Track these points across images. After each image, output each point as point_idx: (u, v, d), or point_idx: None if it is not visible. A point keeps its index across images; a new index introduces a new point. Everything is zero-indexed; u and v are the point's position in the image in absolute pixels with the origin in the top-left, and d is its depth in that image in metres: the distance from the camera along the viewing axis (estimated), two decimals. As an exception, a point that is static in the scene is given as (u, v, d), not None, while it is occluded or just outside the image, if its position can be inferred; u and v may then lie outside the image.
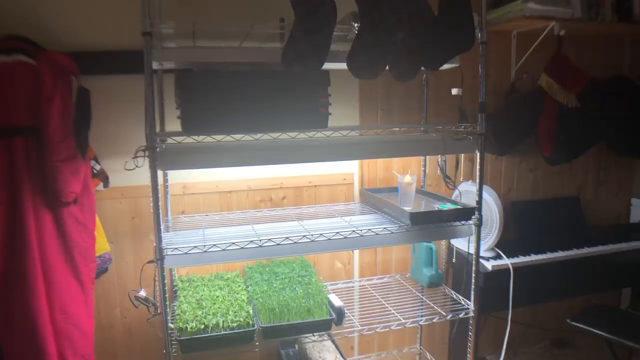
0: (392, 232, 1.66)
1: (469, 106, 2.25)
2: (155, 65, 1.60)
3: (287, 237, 1.54)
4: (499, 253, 2.18)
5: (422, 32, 1.56)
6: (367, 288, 2.16)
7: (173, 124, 1.81)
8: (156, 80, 1.81)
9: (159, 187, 1.45)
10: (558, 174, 2.63)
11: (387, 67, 1.56)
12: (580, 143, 2.33)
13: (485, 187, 2.17)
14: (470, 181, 2.21)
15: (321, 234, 1.58)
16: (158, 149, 1.43)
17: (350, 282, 2.23)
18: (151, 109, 1.40)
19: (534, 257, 2.21)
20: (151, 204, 1.45)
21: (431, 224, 1.70)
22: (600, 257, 2.31)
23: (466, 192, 2.14)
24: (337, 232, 1.59)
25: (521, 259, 2.18)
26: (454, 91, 2.05)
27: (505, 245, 2.20)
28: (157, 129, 1.77)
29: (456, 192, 2.19)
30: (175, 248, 1.47)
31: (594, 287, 2.46)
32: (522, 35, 2.36)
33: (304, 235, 1.56)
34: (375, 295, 2.08)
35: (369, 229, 1.63)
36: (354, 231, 1.61)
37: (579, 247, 2.31)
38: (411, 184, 1.81)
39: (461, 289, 2.08)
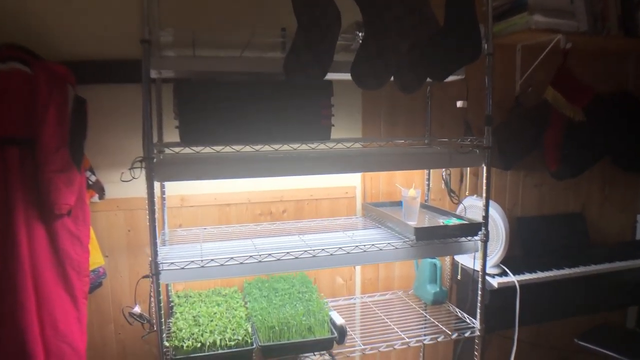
0: (396, 248, 1.61)
1: (474, 119, 2.22)
2: (153, 74, 1.56)
3: (287, 252, 1.49)
4: (504, 270, 2.12)
5: (428, 43, 1.53)
6: (369, 305, 2.10)
7: (171, 135, 1.77)
8: (154, 89, 1.77)
9: (155, 200, 1.40)
10: (563, 189, 2.59)
11: (391, 78, 1.52)
12: (586, 158, 2.29)
13: (491, 202, 2.12)
14: (475, 196, 2.17)
15: (323, 249, 1.52)
16: (155, 160, 1.39)
17: (352, 298, 2.16)
18: (148, 118, 1.36)
19: (540, 274, 2.15)
20: (147, 217, 1.40)
21: (436, 239, 1.65)
22: (606, 275, 2.25)
23: (471, 206, 2.09)
24: (340, 247, 1.54)
25: (527, 276, 2.12)
26: (459, 104, 2.02)
27: (510, 261, 2.14)
28: (155, 140, 1.73)
29: (460, 207, 2.13)
30: (172, 263, 1.41)
31: (600, 305, 2.39)
32: (527, 48, 2.34)
33: (305, 251, 1.51)
34: (377, 313, 2.01)
35: (373, 244, 1.58)
36: (357, 246, 1.56)
37: (585, 265, 2.25)
38: (415, 198, 1.76)
39: (466, 306, 2.02)
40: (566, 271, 2.20)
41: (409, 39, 1.48)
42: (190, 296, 1.87)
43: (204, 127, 1.49)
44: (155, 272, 1.39)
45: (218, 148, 1.49)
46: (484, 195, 1.73)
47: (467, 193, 2.16)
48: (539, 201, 2.55)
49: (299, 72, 1.40)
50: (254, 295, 1.82)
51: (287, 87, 1.54)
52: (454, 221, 1.74)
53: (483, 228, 1.71)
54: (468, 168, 2.23)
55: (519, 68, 2.38)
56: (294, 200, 2.07)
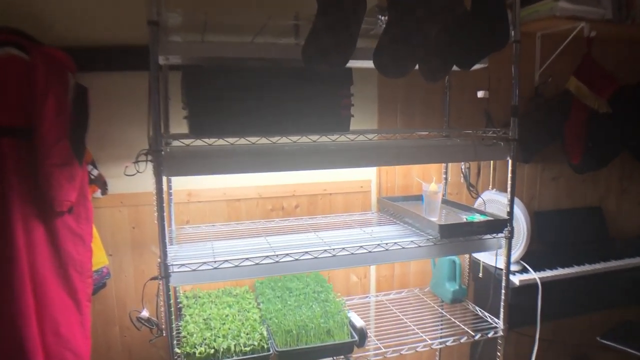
0: (419, 246, 1.52)
1: (492, 110, 2.12)
2: (160, 60, 1.45)
3: (306, 252, 1.39)
4: (524, 266, 2.05)
5: (454, 28, 1.43)
6: (385, 304, 2.01)
7: (178, 126, 1.67)
8: (160, 77, 1.66)
9: (163, 195, 1.30)
10: (580, 182, 2.50)
11: (416, 66, 1.42)
12: (609, 150, 2.20)
13: (510, 196, 2.04)
14: (495, 189, 2.08)
15: (343, 248, 1.43)
16: (163, 153, 1.28)
17: (367, 297, 2.07)
18: (156, 107, 1.25)
19: (561, 271, 2.08)
20: (155, 214, 1.30)
21: (461, 236, 1.56)
22: (627, 270, 2.19)
23: (490, 201, 2.00)
24: (361, 246, 1.44)
25: (548, 273, 2.05)
26: (480, 94, 1.92)
27: (529, 257, 2.06)
28: (161, 131, 1.62)
29: (479, 201, 2.05)
30: (182, 264, 1.31)
31: (618, 300, 2.32)
32: (547, 37, 2.24)
33: (325, 250, 1.41)
34: (395, 312, 1.93)
35: (395, 242, 1.49)
36: (378, 245, 1.47)
37: (606, 260, 2.19)
38: (437, 192, 1.67)
39: (487, 305, 1.93)
40: (587, 267, 2.13)
41: (435, 24, 1.37)
42: (200, 297, 1.77)
43: (215, 117, 1.38)
44: (165, 274, 1.29)
45: (231, 140, 1.39)
46: (509, 189, 1.64)
47: (490, 187, 2.06)
48: (556, 195, 2.47)
49: (318, 58, 1.30)
50: (266, 295, 1.73)
51: (304, 74, 1.44)
52: (478, 217, 1.65)
53: (508, 224, 1.62)
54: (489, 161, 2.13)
55: (539, 57, 2.29)
56: (306, 195, 1.97)
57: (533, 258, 2.10)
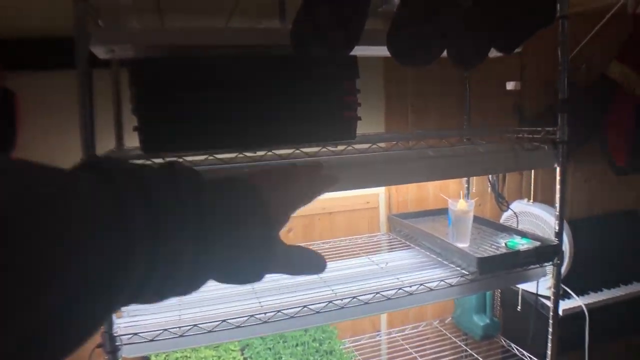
0: (452, 285, 1.16)
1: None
2: (102, 53, 1.09)
3: (304, 307, 1.03)
4: (566, 291, 1.71)
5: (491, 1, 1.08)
6: (400, 344, 1.67)
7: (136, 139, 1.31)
8: (110, 75, 1.29)
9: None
10: (615, 183, 2.17)
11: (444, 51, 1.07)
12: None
13: (546, 206, 1.70)
14: (526, 200, 1.74)
15: (354, 298, 1.07)
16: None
17: (378, 335, 1.72)
18: (87, 116, 0.89)
19: (607, 294, 1.77)
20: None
21: (504, 270, 1.21)
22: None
23: (523, 213, 1.66)
24: (377, 293, 1.09)
25: (593, 297, 1.73)
26: (510, 85, 1.58)
27: (566, 277, 1.73)
28: (112, 146, 1.26)
29: (508, 214, 1.72)
30: (135, 334, 0.95)
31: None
32: (577, 17, 1.89)
33: (330, 302, 1.06)
34: (412, 355, 1.58)
35: (421, 284, 1.13)
36: (400, 289, 1.11)
37: (658, 277, 1.86)
38: (468, 211, 1.32)
39: (526, 342, 1.59)
40: (636, 287, 1.80)
41: (469, -8, 1.02)
42: (171, 349, 1.41)
43: (174, 127, 1.01)
44: (110, 348, 0.93)
45: (198, 157, 1.03)
46: (558, 205, 1.30)
47: (531, 197, 1.72)
48: (588, 199, 2.14)
49: (315, 41, 0.94)
50: (255, 347, 1.38)
51: (293, 66, 1.08)
52: (520, 242, 1.30)
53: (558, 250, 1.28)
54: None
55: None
56: (301, 215, 1.62)
57: (572, 278, 1.76)
